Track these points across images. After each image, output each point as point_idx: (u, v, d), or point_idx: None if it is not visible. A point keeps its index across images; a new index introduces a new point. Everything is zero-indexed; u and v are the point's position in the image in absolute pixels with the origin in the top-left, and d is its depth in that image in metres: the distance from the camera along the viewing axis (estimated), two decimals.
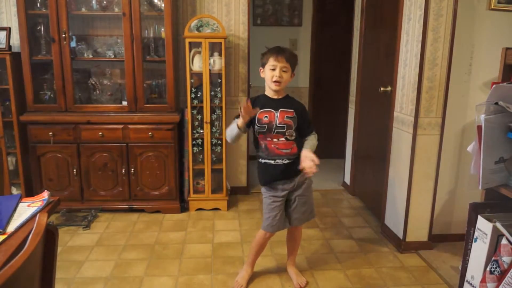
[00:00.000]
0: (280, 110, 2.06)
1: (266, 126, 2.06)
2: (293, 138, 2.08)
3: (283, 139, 2.06)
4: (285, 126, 2.05)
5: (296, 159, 2.07)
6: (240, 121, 2.02)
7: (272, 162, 2.09)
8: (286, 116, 2.06)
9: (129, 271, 2.38)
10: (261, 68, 2.11)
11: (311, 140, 2.11)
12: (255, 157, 2.21)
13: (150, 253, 2.59)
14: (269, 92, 2.11)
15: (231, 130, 2.09)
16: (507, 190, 1.81)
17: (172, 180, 3.16)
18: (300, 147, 2.08)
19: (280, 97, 2.11)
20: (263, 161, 2.12)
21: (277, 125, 2.05)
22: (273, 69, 2.02)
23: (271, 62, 2.02)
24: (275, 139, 2.06)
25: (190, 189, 3.25)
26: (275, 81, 2.02)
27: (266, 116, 2.06)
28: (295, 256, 2.36)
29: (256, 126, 2.08)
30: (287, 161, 2.08)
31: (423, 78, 2.43)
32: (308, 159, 1.97)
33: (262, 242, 2.24)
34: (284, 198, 2.16)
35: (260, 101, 2.10)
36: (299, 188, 2.16)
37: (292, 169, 2.08)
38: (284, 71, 2.03)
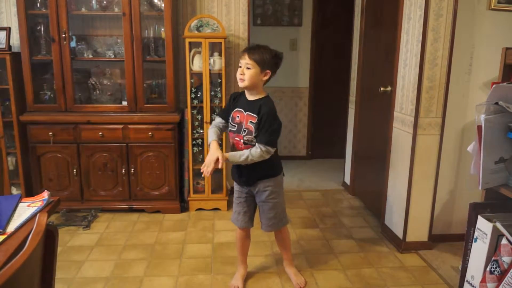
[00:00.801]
0: (247, 112, 2.03)
1: (236, 125, 2.06)
2: (253, 144, 2.00)
3: (242, 141, 2.03)
4: (247, 130, 2.01)
5: (256, 165, 2.02)
6: (211, 149, 2.00)
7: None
8: (250, 121, 2.01)
9: (129, 271, 2.38)
10: None
11: (252, 149, 1.97)
12: None
13: (150, 253, 2.59)
14: (246, 92, 2.10)
15: (208, 137, 2.11)
16: (507, 190, 1.81)
17: (172, 180, 3.16)
18: None
19: (253, 98, 2.05)
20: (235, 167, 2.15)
21: (244, 127, 2.03)
22: (240, 66, 2.02)
23: (240, 59, 2.03)
24: (242, 140, 2.03)
25: (190, 189, 3.25)
26: (239, 79, 2.00)
27: (238, 116, 2.06)
28: (290, 256, 2.35)
29: (229, 124, 2.10)
30: (245, 165, 2.05)
31: (423, 78, 2.43)
32: (211, 158, 1.95)
33: (240, 238, 2.27)
34: (248, 196, 2.18)
35: (239, 98, 2.11)
36: (261, 194, 2.13)
37: (251, 175, 2.08)
38: (248, 68, 1.98)
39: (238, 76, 2.00)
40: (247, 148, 2.01)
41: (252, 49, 2.00)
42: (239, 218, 2.21)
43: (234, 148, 2.08)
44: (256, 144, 1.98)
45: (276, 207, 2.15)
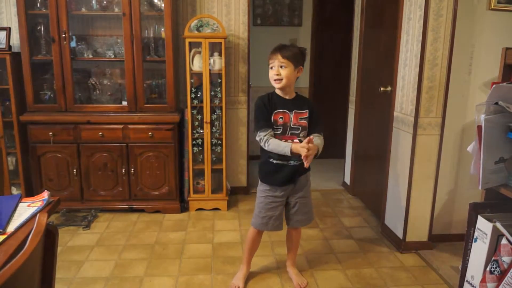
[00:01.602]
0: (294, 111, 2.04)
1: (281, 127, 2.04)
2: (305, 132, 2.07)
3: (297, 140, 2.03)
4: (300, 127, 2.04)
5: (301, 160, 2.02)
6: (296, 148, 1.94)
7: (285, 163, 2.06)
8: (300, 118, 2.04)
9: (129, 271, 2.38)
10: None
11: (319, 140, 2.05)
12: (259, 157, 2.16)
13: (150, 253, 2.59)
14: (279, 92, 2.07)
15: (279, 148, 1.99)
16: (507, 190, 1.81)
17: (172, 180, 3.16)
18: None
19: (292, 97, 2.08)
20: (274, 161, 2.07)
21: (292, 126, 2.03)
22: (272, 68, 2.01)
23: (270, 61, 2.01)
24: (289, 140, 2.03)
25: (190, 189, 3.25)
26: (275, 80, 2.00)
27: (281, 117, 2.04)
28: (295, 256, 2.36)
29: (272, 126, 2.05)
30: (298, 162, 2.04)
31: (423, 78, 2.43)
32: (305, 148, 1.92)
33: (255, 240, 2.24)
34: (283, 199, 2.15)
35: (273, 100, 2.06)
36: (301, 190, 2.15)
37: (299, 170, 2.07)
38: (282, 67, 1.98)
39: (273, 77, 1.99)
40: None
41: (282, 48, 2.00)
42: (271, 222, 2.14)
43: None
44: (316, 134, 2.07)
45: (311, 200, 2.23)
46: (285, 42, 4.40)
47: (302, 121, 2.05)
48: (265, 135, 2.01)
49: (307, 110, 2.06)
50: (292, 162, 2.06)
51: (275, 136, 2.03)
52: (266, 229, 2.18)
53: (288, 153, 1.97)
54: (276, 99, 2.06)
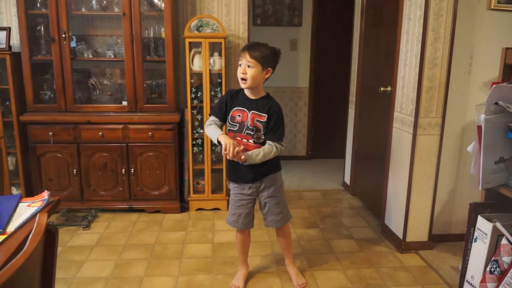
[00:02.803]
0: (252, 111, 2.02)
1: (238, 125, 2.03)
2: (261, 141, 2.03)
3: (251, 141, 2.03)
4: (254, 128, 2.01)
5: (264, 161, 2.03)
6: (222, 139, 1.94)
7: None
8: (256, 119, 2.01)
9: (129, 271, 2.38)
10: None
11: (266, 147, 2.00)
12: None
13: (150, 253, 2.59)
14: (246, 90, 2.06)
15: (212, 133, 2.03)
16: (507, 190, 1.81)
17: (172, 180, 3.16)
18: None
19: (257, 97, 2.04)
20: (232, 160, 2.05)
21: (248, 126, 2.02)
22: (240, 65, 1.99)
23: (239, 58, 2.00)
24: (244, 140, 2.03)
25: (190, 189, 3.25)
26: (241, 78, 1.97)
27: (239, 115, 2.03)
28: (291, 254, 2.34)
29: (228, 123, 2.07)
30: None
31: (423, 78, 2.43)
32: (229, 141, 1.89)
33: (242, 240, 2.25)
34: (251, 197, 2.15)
35: (238, 97, 2.06)
36: (268, 189, 2.13)
37: (259, 171, 2.07)
38: (249, 67, 1.96)
39: (240, 75, 1.97)
40: (253, 148, 2.00)
41: (252, 47, 1.97)
42: (240, 220, 2.17)
43: None
44: (269, 142, 2.01)
45: (282, 201, 2.19)
46: (285, 42, 4.41)
47: (258, 123, 2.02)
48: (210, 120, 2.08)
49: (265, 114, 2.01)
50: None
51: (230, 132, 2.06)
52: (236, 226, 2.19)
53: (215, 141, 2.00)
54: (240, 97, 2.07)
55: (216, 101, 3.17)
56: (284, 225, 2.23)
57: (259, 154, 1.98)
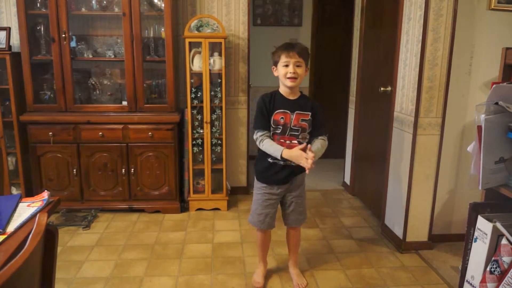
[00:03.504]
0: (296, 112, 2.02)
1: (281, 127, 2.03)
2: (306, 140, 2.05)
3: (296, 141, 2.03)
4: (300, 129, 2.03)
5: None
6: (289, 155, 1.95)
7: (281, 163, 2.05)
8: (301, 119, 2.03)
9: (129, 271, 2.38)
10: (273, 67, 2.06)
11: (318, 143, 2.04)
12: (257, 155, 2.16)
13: (150, 253, 2.59)
14: (284, 91, 2.06)
15: (271, 149, 2.00)
16: (507, 190, 1.81)
17: (172, 180, 3.16)
18: None
19: (296, 97, 2.06)
20: (271, 160, 2.07)
21: (292, 127, 2.02)
22: (286, 65, 1.97)
23: (284, 58, 1.97)
24: (288, 141, 2.03)
25: (190, 189, 3.25)
26: (290, 78, 1.97)
27: (282, 118, 2.02)
28: (296, 257, 2.35)
29: (271, 126, 2.04)
30: (294, 163, 2.02)
31: (423, 78, 2.43)
32: (304, 156, 1.92)
33: (264, 240, 2.25)
34: (279, 197, 2.15)
35: (276, 100, 2.04)
36: (297, 189, 2.16)
37: (295, 169, 2.07)
38: (298, 66, 1.97)
39: (289, 75, 1.96)
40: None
41: (298, 46, 1.98)
42: (267, 220, 2.15)
43: None
44: (321, 137, 2.07)
45: (305, 200, 2.22)
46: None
47: (303, 122, 2.04)
48: (261, 135, 2.03)
49: (309, 112, 2.04)
50: (288, 162, 2.04)
51: (274, 135, 2.04)
52: (262, 226, 2.17)
53: (279, 157, 1.98)
54: (279, 99, 2.05)
55: (215, 101, 3.18)
56: (303, 223, 2.25)
57: (320, 150, 2.02)
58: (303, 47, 2.01)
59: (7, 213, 1.28)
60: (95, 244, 2.70)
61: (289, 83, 1.99)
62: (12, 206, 1.33)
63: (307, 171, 1.94)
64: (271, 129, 2.05)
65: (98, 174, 3.11)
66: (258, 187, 2.16)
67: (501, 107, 1.76)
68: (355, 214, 3.28)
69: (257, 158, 2.15)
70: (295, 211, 2.18)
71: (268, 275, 2.36)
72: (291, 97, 2.05)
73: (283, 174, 2.08)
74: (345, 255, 2.60)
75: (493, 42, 2.46)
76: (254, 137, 2.07)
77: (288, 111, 2.03)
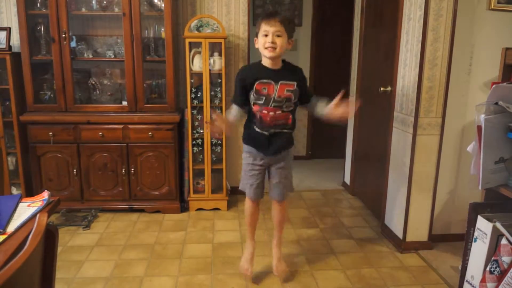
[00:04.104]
0: (280, 82, 1.96)
1: (264, 97, 1.97)
2: (290, 109, 2.01)
3: (280, 111, 1.99)
4: (284, 99, 1.97)
5: (290, 129, 2.05)
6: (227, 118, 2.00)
7: (265, 133, 2.02)
8: (287, 90, 1.97)
9: (129, 271, 2.38)
10: (255, 38, 2.00)
11: (320, 101, 2.05)
12: (245, 122, 2.16)
13: (150, 253, 2.59)
14: (265, 61, 1.99)
15: (231, 117, 2.06)
16: (507, 190, 1.81)
17: (172, 180, 3.16)
18: (295, 118, 2.06)
19: (279, 67, 2.00)
20: (256, 129, 2.04)
21: (275, 98, 1.96)
22: (266, 35, 1.91)
23: (263, 27, 1.91)
24: (271, 112, 1.99)
25: (190, 189, 3.25)
26: (268, 47, 1.90)
27: (265, 88, 1.96)
28: (280, 236, 2.30)
29: (252, 96, 1.99)
30: (279, 131, 2.01)
31: (423, 78, 2.43)
32: (339, 107, 1.94)
33: (252, 211, 2.23)
34: (262, 167, 2.13)
35: (257, 70, 1.99)
36: (281, 161, 2.12)
37: (284, 143, 2.05)
38: (278, 36, 1.90)
39: (268, 44, 1.89)
40: (281, 117, 1.99)
41: (276, 15, 1.91)
42: (252, 190, 2.14)
43: (260, 121, 2.01)
44: (313, 99, 2.08)
45: (291, 174, 2.19)
46: None
47: (288, 93, 1.97)
48: (231, 109, 2.07)
49: (294, 82, 1.99)
50: (272, 131, 2.01)
51: (256, 105, 2.01)
52: (253, 196, 2.17)
53: (232, 119, 2.04)
54: (260, 69, 1.99)
55: (215, 101, 3.18)
56: (287, 197, 2.23)
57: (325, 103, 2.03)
58: (286, 16, 1.94)
59: (7, 213, 1.28)
60: (95, 244, 2.70)
61: (267, 53, 1.92)
62: (12, 206, 1.33)
63: (334, 103, 1.94)
64: (253, 98, 1.99)
65: (98, 174, 3.11)
66: (244, 156, 2.17)
67: (501, 107, 1.76)
68: (355, 214, 3.28)
69: (245, 124, 2.14)
70: (280, 184, 2.14)
71: (268, 275, 2.35)
72: (275, 67, 1.99)
73: (267, 143, 2.05)
74: (345, 255, 2.60)
75: (493, 42, 2.46)
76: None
77: (272, 82, 1.96)
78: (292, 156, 2.21)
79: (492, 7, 2.42)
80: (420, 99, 2.46)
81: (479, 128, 1.81)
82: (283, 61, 2.05)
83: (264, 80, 1.96)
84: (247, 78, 1.99)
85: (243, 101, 2.04)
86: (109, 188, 3.14)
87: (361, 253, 2.63)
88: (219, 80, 3.15)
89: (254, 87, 1.97)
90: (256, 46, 2.00)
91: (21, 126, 3.07)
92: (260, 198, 2.21)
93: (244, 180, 2.19)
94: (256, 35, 1.99)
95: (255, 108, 2.01)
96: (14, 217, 1.28)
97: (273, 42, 1.90)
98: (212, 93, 3.16)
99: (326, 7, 4.58)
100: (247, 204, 2.24)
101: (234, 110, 2.07)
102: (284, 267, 2.29)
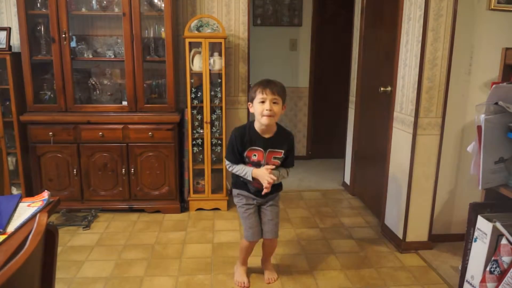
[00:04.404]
0: (268, 150, 2.05)
1: (253, 163, 2.07)
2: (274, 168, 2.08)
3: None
4: (273, 165, 2.05)
5: (278, 184, 2.16)
6: (255, 173, 2.03)
7: (253, 190, 2.13)
8: (274, 157, 2.06)
9: (129, 271, 2.38)
10: (249, 103, 2.06)
11: (284, 172, 2.13)
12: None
13: (150, 253, 2.59)
14: (258, 128, 2.05)
15: (242, 173, 2.07)
16: (507, 190, 1.81)
17: (172, 180, 3.16)
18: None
19: (271, 135, 2.06)
20: (244, 180, 2.12)
21: (264, 164, 2.05)
22: (263, 102, 1.97)
23: (260, 95, 1.97)
24: None
25: (190, 189, 3.25)
26: (266, 115, 1.96)
27: (255, 155, 2.06)
28: (271, 260, 2.36)
29: (245, 159, 2.09)
30: (263, 193, 2.07)
31: (423, 78, 2.43)
32: (266, 178, 1.99)
33: (249, 248, 2.25)
34: (256, 207, 2.19)
35: (250, 137, 2.06)
36: (271, 200, 2.19)
37: (274, 188, 2.11)
38: (274, 103, 1.97)
39: (265, 112, 1.96)
40: None
41: (273, 83, 1.99)
42: (256, 231, 2.17)
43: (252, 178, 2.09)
44: (287, 169, 2.14)
45: (279, 212, 2.26)
46: (285, 42, 4.41)
47: (275, 160, 2.07)
48: (230, 164, 2.12)
49: (282, 150, 2.07)
50: (259, 187, 2.09)
51: (248, 164, 2.09)
52: (255, 238, 2.18)
53: (250, 178, 2.04)
54: (253, 136, 2.06)
55: (215, 101, 3.18)
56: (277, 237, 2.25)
57: (281, 177, 2.10)
58: (280, 85, 2.02)
59: (7, 213, 1.28)
60: (95, 244, 2.70)
61: (265, 120, 1.97)
62: (12, 206, 1.33)
63: (264, 191, 2.02)
64: (245, 161, 2.10)
65: (98, 174, 3.11)
66: (237, 200, 2.21)
67: (501, 107, 1.76)
68: (355, 214, 3.28)
69: (232, 174, 2.19)
70: (272, 223, 2.18)
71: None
72: (266, 135, 2.06)
73: (256, 193, 2.14)
74: (345, 255, 2.61)
75: (493, 42, 2.46)
76: (226, 164, 2.15)
77: (261, 149, 2.05)
78: (279, 196, 2.27)
79: (492, 7, 2.42)
80: (420, 99, 2.46)
81: (479, 128, 1.81)
82: (278, 125, 2.11)
83: (254, 147, 2.05)
84: (240, 145, 2.07)
85: (241, 160, 2.11)
86: (109, 188, 3.14)
87: (361, 253, 2.63)
88: (219, 80, 3.15)
89: (245, 153, 2.06)
90: (251, 111, 2.06)
91: (21, 126, 3.07)
92: (260, 238, 2.22)
93: (247, 226, 2.18)
94: (251, 100, 2.05)
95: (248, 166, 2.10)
96: (14, 217, 1.28)
97: (270, 110, 1.96)
98: (212, 93, 3.16)
99: (326, 7, 4.58)
100: (244, 244, 2.24)
101: (238, 165, 2.11)
102: (276, 276, 2.31)
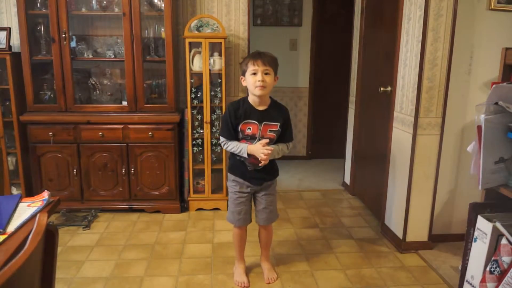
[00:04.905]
0: (264, 123, 2.04)
1: (248, 136, 2.06)
2: (272, 143, 2.08)
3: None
4: (267, 140, 2.04)
5: (273, 163, 2.14)
6: (250, 149, 2.02)
7: (250, 167, 2.11)
8: (269, 130, 2.05)
9: (129, 271, 2.38)
10: (241, 76, 2.07)
11: (283, 146, 2.11)
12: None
13: (150, 253, 2.59)
14: (252, 100, 2.06)
15: (237, 150, 2.06)
16: (507, 190, 1.81)
17: (172, 180, 3.16)
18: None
19: (265, 107, 2.07)
20: (241, 159, 2.11)
21: (260, 138, 2.05)
22: (255, 73, 1.98)
23: (251, 67, 1.98)
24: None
25: (190, 189, 3.25)
26: (258, 86, 1.97)
27: (250, 128, 2.05)
28: (268, 252, 2.37)
29: (239, 135, 2.09)
30: (261, 165, 2.07)
31: (423, 78, 2.43)
32: (261, 151, 1.98)
33: (240, 236, 2.28)
34: (249, 195, 2.19)
35: (244, 110, 2.05)
36: (267, 188, 2.19)
37: (270, 172, 2.13)
38: (266, 74, 1.98)
39: (258, 83, 1.96)
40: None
41: (264, 55, 2.00)
42: (241, 217, 2.20)
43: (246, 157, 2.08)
44: (286, 143, 2.13)
45: (275, 200, 2.26)
46: (285, 42, 4.42)
47: (271, 133, 2.06)
48: (225, 140, 2.10)
49: (278, 123, 2.06)
50: (256, 166, 2.09)
51: (243, 140, 2.09)
52: (240, 223, 2.21)
53: (245, 155, 2.03)
54: (247, 109, 2.05)
55: (215, 101, 3.18)
56: (273, 222, 2.28)
57: (278, 152, 2.07)
58: (271, 56, 2.03)
59: (7, 213, 1.28)
60: (95, 244, 2.70)
61: (258, 91, 1.98)
62: (12, 206, 1.33)
63: (260, 164, 2.02)
64: (240, 135, 2.08)
65: (98, 174, 3.11)
66: (230, 184, 2.21)
67: (501, 107, 1.76)
68: (355, 214, 3.28)
69: (230, 154, 2.19)
70: (265, 210, 2.20)
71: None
72: (260, 107, 2.06)
73: (254, 173, 2.12)
74: (345, 255, 2.61)
75: (493, 42, 2.46)
76: (220, 141, 2.14)
77: (256, 122, 2.04)
78: (276, 184, 2.27)
79: (492, 7, 2.42)
80: (420, 99, 2.46)
81: (479, 128, 1.81)
82: (271, 99, 2.12)
83: (249, 120, 2.05)
84: (234, 119, 2.06)
85: (236, 137, 2.10)
86: (109, 188, 3.14)
87: (361, 253, 2.63)
88: (219, 80, 3.15)
89: (240, 127, 2.05)
90: (244, 84, 2.07)
91: (21, 126, 3.07)
92: (248, 223, 2.25)
93: (231, 209, 2.22)
94: (243, 74, 2.06)
95: (242, 141, 2.09)
96: (14, 217, 1.28)
97: (263, 81, 1.97)
98: (212, 93, 3.16)
99: (326, 7, 4.58)
100: (235, 232, 2.27)
101: (233, 142, 2.10)
102: (275, 275, 2.32)
